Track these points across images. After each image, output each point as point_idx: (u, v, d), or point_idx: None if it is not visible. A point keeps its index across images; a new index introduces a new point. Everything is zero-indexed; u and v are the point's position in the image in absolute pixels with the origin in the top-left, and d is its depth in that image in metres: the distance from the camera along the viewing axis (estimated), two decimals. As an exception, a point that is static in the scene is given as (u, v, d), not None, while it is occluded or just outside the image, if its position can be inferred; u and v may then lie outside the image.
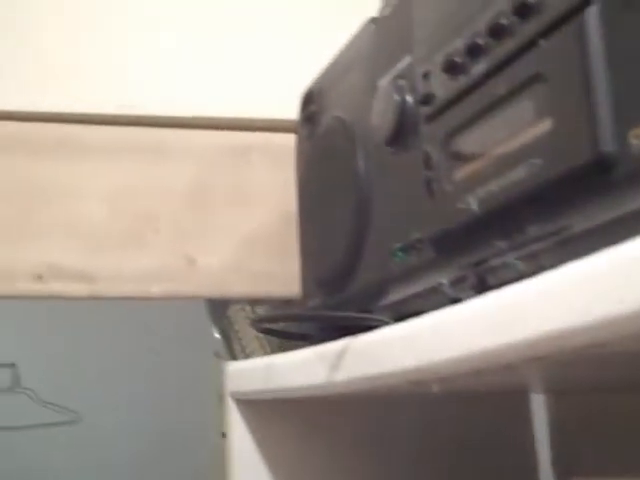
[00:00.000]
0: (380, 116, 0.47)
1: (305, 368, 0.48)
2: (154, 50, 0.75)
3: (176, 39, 0.76)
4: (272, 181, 0.72)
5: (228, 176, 0.72)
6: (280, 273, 0.69)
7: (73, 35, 0.74)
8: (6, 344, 2.23)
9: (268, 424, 0.60)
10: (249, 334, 0.87)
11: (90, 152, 0.71)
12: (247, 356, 0.90)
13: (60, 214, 0.69)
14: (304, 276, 0.58)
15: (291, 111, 0.63)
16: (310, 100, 0.59)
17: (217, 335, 1.06)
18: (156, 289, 0.68)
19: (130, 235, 0.69)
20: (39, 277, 0.68)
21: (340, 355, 0.42)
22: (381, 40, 0.50)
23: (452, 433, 0.64)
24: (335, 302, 0.53)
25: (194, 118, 0.71)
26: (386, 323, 0.41)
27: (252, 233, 0.71)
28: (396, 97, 0.45)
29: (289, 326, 0.60)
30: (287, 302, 0.74)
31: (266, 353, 0.81)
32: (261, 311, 0.80)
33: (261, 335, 0.81)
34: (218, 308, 0.90)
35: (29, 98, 0.71)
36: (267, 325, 0.54)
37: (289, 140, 0.64)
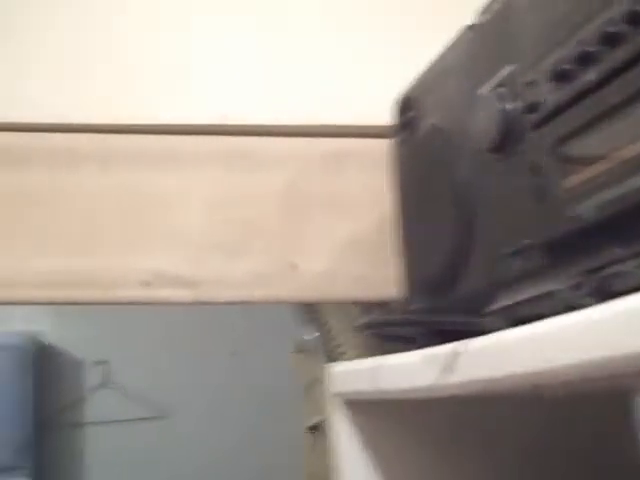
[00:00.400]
0: (483, 124, 0.48)
1: (415, 370, 0.49)
2: (249, 59, 0.77)
3: (268, 45, 0.78)
4: (366, 186, 0.73)
5: (323, 182, 0.74)
6: (377, 276, 0.71)
7: (171, 49, 0.77)
8: (99, 342, 2.33)
9: (373, 423, 0.62)
10: (342, 333, 0.89)
11: (190, 161, 0.74)
12: (340, 355, 0.92)
13: (164, 222, 0.73)
14: (406, 280, 0.59)
15: (382, 117, 0.64)
16: (407, 106, 0.61)
17: (306, 337, 1.09)
18: (258, 294, 0.71)
19: (231, 242, 0.72)
20: (147, 284, 0.71)
21: (454, 358, 0.44)
22: (479, 48, 0.51)
23: (557, 434, 0.64)
24: (439, 306, 0.54)
25: (288, 126, 0.73)
26: (499, 328, 0.42)
27: (349, 238, 0.73)
28: (499, 105, 0.46)
29: (389, 329, 0.61)
30: (380, 304, 0.75)
31: (361, 353, 0.83)
32: (356, 311, 0.82)
33: (356, 334, 0.83)
34: (311, 308, 0.93)
35: (132, 111, 0.75)
36: (375, 329, 0.55)
37: (382, 145, 0.66)
